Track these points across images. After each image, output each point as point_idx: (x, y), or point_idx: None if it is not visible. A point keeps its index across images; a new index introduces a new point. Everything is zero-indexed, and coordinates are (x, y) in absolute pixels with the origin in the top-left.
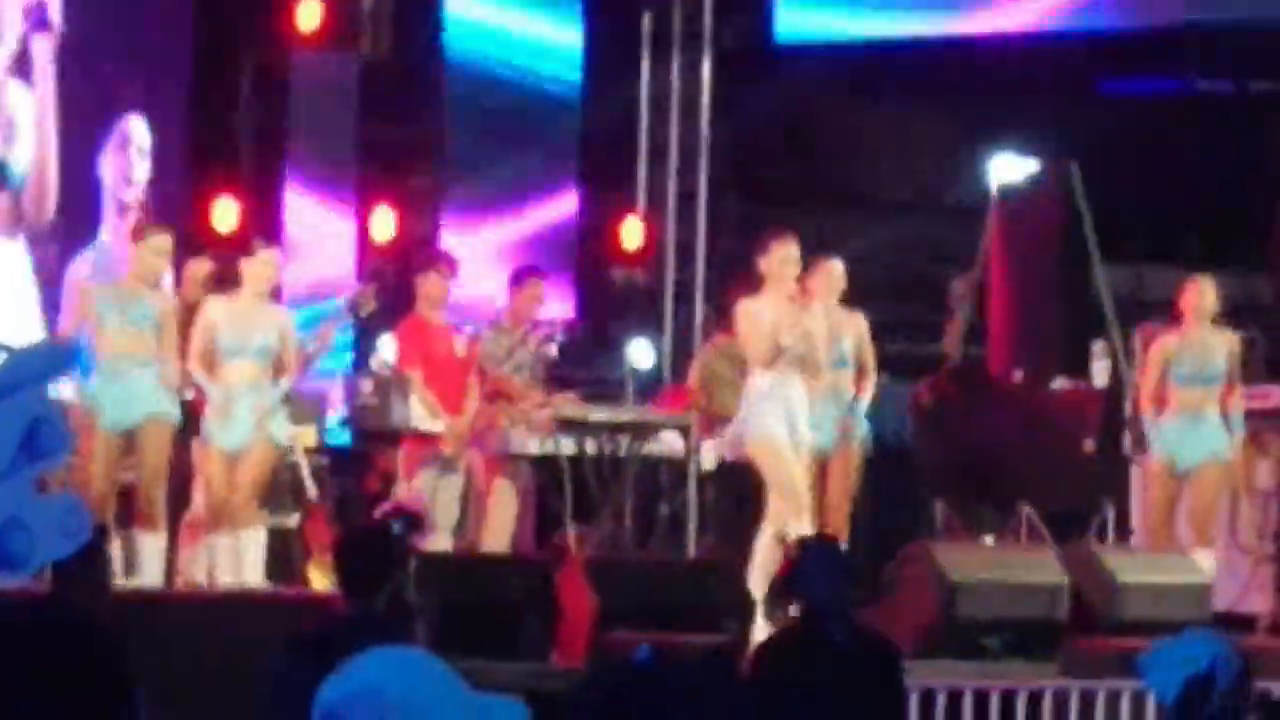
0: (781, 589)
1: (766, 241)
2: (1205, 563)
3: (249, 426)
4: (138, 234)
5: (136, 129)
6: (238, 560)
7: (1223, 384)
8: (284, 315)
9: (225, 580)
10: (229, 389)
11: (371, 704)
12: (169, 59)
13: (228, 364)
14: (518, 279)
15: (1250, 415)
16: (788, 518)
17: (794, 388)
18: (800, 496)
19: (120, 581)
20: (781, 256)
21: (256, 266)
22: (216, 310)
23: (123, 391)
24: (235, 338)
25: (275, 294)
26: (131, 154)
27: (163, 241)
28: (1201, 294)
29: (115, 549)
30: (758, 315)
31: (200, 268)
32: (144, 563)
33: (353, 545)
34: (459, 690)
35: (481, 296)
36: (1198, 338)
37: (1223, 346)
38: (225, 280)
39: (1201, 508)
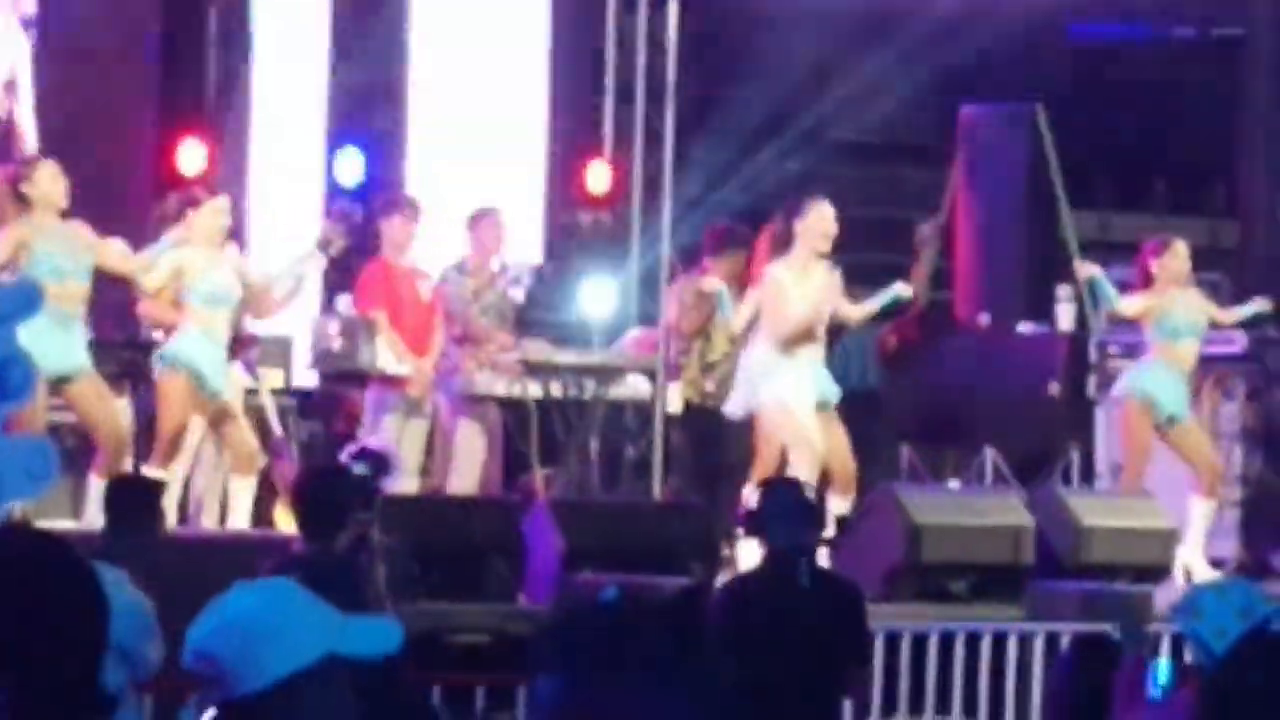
0: (747, 530)
1: (803, 204)
2: (1203, 509)
3: (228, 375)
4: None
5: None
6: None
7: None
8: (242, 261)
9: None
10: (210, 334)
11: (233, 636)
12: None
13: (209, 311)
14: (476, 219)
15: (1215, 360)
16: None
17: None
18: (816, 452)
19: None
20: (819, 218)
21: (207, 217)
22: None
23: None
24: (211, 286)
25: (232, 238)
26: None
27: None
28: (1178, 257)
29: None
30: (785, 288)
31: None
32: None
33: (310, 486)
34: (327, 614)
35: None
36: (1179, 297)
37: (1201, 304)
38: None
39: (1208, 461)
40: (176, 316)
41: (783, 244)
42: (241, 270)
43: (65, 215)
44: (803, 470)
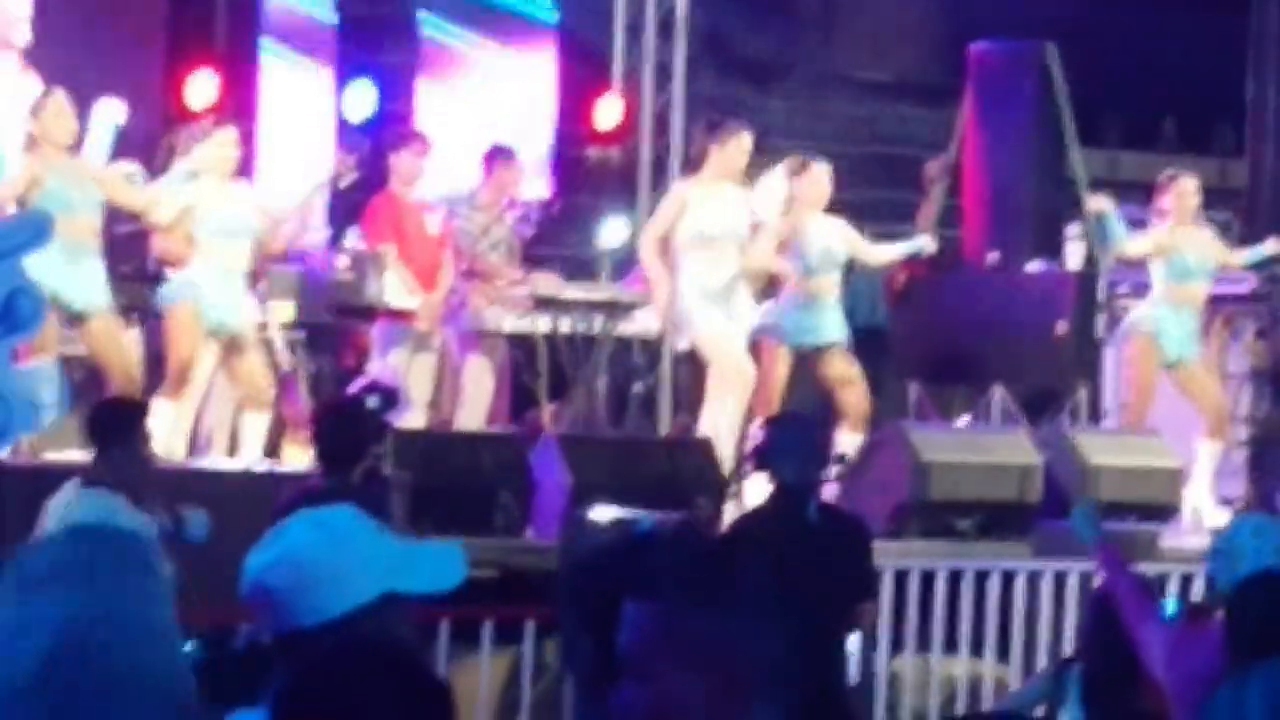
0: (755, 465)
1: (723, 130)
2: (1209, 450)
3: (246, 309)
4: None
5: None
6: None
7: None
8: (252, 192)
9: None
10: (219, 267)
11: (290, 567)
12: None
13: (219, 242)
14: (491, 156)
15: (1224, 300)
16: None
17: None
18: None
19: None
20: (737, 149)
21: (215, 149)
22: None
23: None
24: (221, 219)
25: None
26: None
27: None
28: (1186, 194)
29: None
30: (687, 205)
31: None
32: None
33: (328, 419)
34: (389, 548)
35: (456, 173)
36: (1189, 236)
37: (1211, 244)
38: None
39: (1214, 404)
40: (191, 252)
41: (696, 163)
42: (258, 202)
43: (71, 150)
44: (727, 401)
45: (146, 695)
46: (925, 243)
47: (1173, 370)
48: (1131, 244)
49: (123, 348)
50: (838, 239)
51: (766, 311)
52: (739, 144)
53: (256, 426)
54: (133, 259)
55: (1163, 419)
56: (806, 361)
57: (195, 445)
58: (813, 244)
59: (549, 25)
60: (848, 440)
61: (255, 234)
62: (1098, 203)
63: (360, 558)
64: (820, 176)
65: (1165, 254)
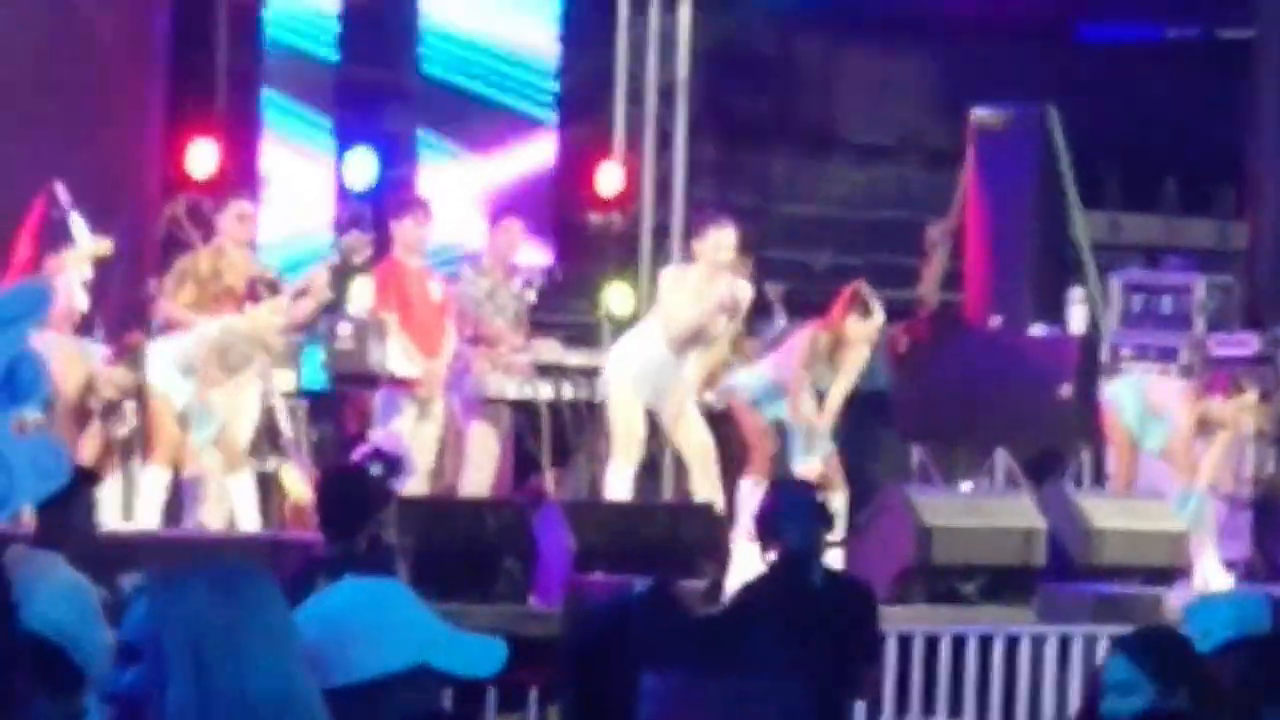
0: (757, 531)
1: (703, 226)
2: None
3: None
4: None
5: None
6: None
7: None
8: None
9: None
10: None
11: (327, 624)
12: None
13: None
14: (495, 221)
15: (1228, 361)
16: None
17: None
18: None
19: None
20: (715, 243)
21: (266, 314)
22: None
23: None
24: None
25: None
26: None
27: None
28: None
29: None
30: (671, 290)
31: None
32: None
33: (332, 487)
34: (430, 624)
35: (458, 239)
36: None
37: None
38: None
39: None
40: (189, 317)
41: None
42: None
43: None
44: (616, 462)
45: None
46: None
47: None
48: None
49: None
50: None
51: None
52: (717, 239)
53: (245, 488)
54: (132, 317)
55: (1163, 479)
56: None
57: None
58: None
59: (550, 77)
60: (834, 500)
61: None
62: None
63: (398, 626)
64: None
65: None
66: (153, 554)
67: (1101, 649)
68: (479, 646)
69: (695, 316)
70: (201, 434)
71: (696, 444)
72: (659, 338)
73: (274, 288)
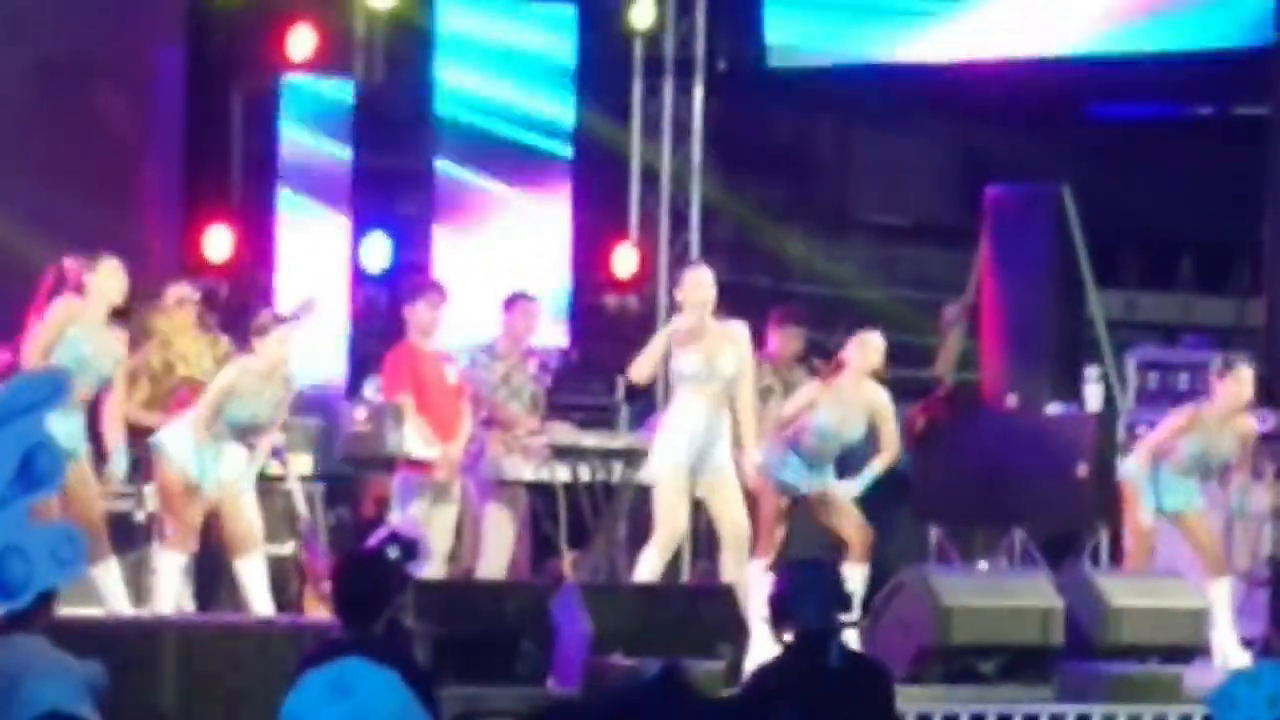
0: (773, 612)
1: (681, 274)
2: (1216, 590)
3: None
4: None
5: None
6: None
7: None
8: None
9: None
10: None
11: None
12: (161, 84)
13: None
14: (511, 303)
15: None
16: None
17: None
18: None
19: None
20: (694, 284)
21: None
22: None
23: None
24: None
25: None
26: None
27: None
28: (1241, 382)
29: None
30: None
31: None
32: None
33: (351, 571)
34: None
35: (474, 322)
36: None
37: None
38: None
39: (1207, 545)
40: (151, 419)
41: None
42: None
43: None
44: (653, 548)
45: None
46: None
47: (1165, 519)
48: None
49: (92, 498)
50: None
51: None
52: (695, 278)
53: (256, 571)
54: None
55: (1180, 559)
56: (799, 502)
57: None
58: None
59: (564, 160)
60: (856, 573)
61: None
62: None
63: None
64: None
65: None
66: (176, 640)
67: None
68: None
69: (700, 360)
70: (207, 478)
71: (731, 521)
72: (689, 403)
73: (278, 319)
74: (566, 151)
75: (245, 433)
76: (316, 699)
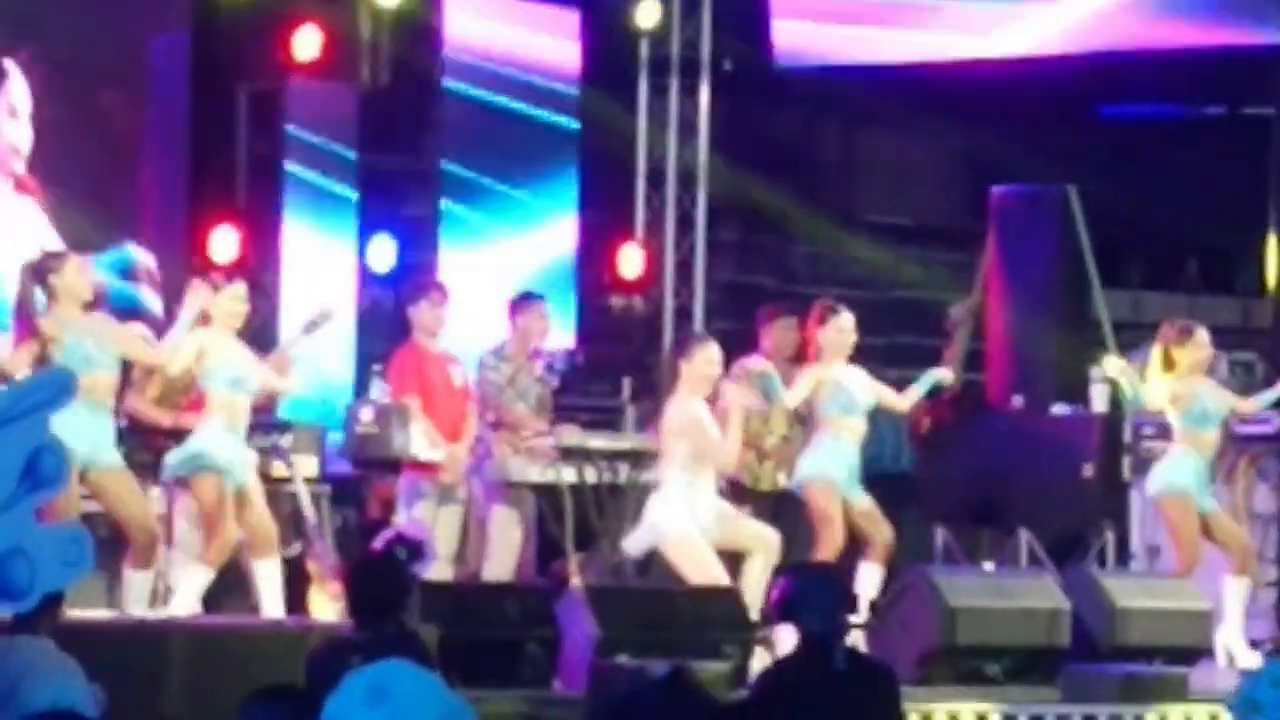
0: (778, 615)
1: (689, 345)
2: (1237, 587)
3: (249, 459)
4: None
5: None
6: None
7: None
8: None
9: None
10: (233, 422)
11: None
12: (167, 87)
13: (231, 395)
14: (518, 305)
15: (1250, 440)
16: None
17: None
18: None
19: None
20: (704, 360)
21: (226, 303)
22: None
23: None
24: (233, 370)
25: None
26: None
27: None
28: (1201, 347)
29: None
30: (704, 422)
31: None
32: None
33: (363, 572)
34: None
35: (481, 324)
36: (1203, 385)
37: (1223, 396)
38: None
39: (1239, 542)
40: (163, 416)
41: (671, 380)
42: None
43: (89, 308)
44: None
45: None
46: (944, 375)
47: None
48: (1150, 397)
49: (140, 503)
50: (861, 387)
51: (803, 463)
52: (705, 356)
53: (272, 574)
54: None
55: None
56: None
57: (155, 597)
58: (838, 391)
59: (570, 161)
60: (874, 573)
61: (257, 387)
62: (1112, 366)
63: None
64: (845, 325)
65: (1184, 402)
66: (184, 641)
67: None
68: None
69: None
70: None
71: (756, 535)
72: (680, 480)
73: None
74: (572, 152)
75: (238, 390)
76: (356, 702)
